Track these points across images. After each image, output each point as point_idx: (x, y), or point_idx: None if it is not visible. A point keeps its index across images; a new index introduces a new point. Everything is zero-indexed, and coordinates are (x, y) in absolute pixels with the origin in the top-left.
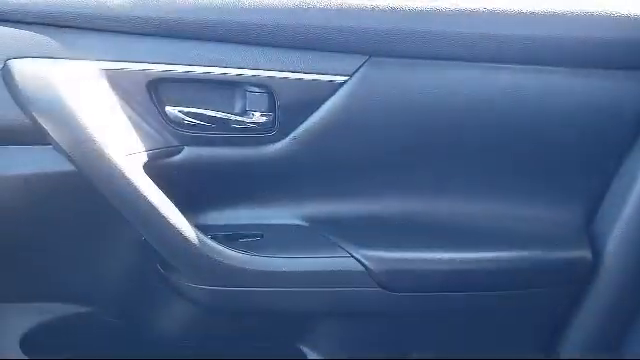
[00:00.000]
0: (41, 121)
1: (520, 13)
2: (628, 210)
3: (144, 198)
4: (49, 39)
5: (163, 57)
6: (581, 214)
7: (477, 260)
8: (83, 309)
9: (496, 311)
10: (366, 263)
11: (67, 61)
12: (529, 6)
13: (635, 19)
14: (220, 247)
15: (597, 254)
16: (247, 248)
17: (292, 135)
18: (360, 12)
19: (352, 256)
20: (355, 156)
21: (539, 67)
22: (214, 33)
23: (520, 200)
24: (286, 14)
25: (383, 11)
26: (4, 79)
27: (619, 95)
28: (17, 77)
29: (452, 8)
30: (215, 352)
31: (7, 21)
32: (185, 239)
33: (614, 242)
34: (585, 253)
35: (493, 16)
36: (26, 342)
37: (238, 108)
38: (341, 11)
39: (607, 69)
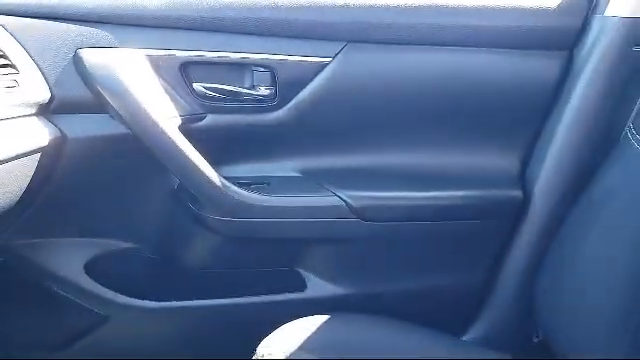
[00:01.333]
0: (103, 95)
1: (459, 6)
2: (550, 159)
3: (180, 151)
4: (107, 33)
5: (191, 45)
6: (515, 162)
7: (433, 197)
8: (128, 245)
9: (447, 237)
10: (346, 199)
11: (120, 49)
12: (466, 1)
13: (541, 9)
14: (236, 188)
15: (527, 194)
16: (256, 191)
17: (289, 105)
18: (338, 9)
19: (336, 195)
20: (338, 120)
21: (475, 48)
22: (228, 26)
23: (467, 152)
24: (283, 11)
25: (356, 7)
26: (75, 64)
27: (538, 68)
28: (85, 62)
29: (408, 3)
30: (229, 276)
31: (75, 20)
32: (210, 181)
33: (540, 184)
34: (517, 193)
35: (439, 8)
36: (88, 269)
37: (247, 84)
38: (324, 8)
39: (527, 49)
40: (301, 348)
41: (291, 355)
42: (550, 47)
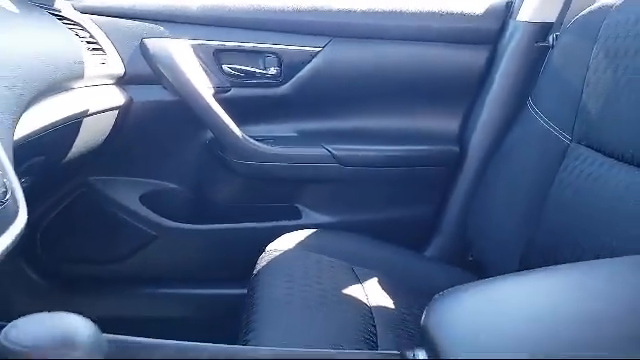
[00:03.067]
0: (160, 71)
1: (415, 10)
2: (479, 124)
3: (214, 112)
4: (162, 28)
5: (221, 38)
6: (454, 126)
7: (394, 150)
8: (171, 185)
9: (405, 179)
10: (331, 150)
11: (172, 39)
12: (420, 7)
13: (472, 14)
14: (252, 140)
15: (463, 149)
16: (266, 143)
17: (290, 82)
18: (326, 13)
19: (323, 147)
20: (325, 94)
21: (426, 42)
22: (247, 24)
23: (419, 119)
24: (286, 14)
25: (338, 11)
26: (141, 49)
27: (470, 57)
28: (148, 48)
29: (377, 9)
30: (246, 208)
31: (142, 18)
32: (234, 134)
33: (472, 142)
34: (455, 148)
35: (401, 12)
36: (143, 200)
37: (260, 66)
38: (315, 12)
39: (463, 43)
40: (297, 246)
41: (290, 250)
42: (479, 42)
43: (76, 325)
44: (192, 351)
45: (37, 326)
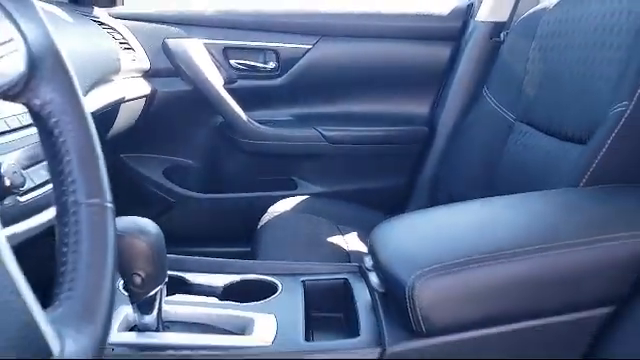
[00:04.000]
0: (179, 66)
1: (389, 13)
2: (445, 108)
3: (224, 99)
4: (180, 30)
5: (229, 37)
6: (424, 110)
7: (373, 129)
8: (188, 161)
9: (381, 155)
10: (321, 131)
11: (189, 39)
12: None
13: (439, 15)
14: (255, 122)
15: (431, 129)
16: (267, 125)
17: (286, 74)
18: (315, 16)
19: (314, 128)
20: (315, 84)
21: (400, 39)
22: (251, 26)
23: (394, 104)
24: (283, 17)
25: (326, 15)
26: (163, 48)
27: (438, 51)
28: (169, 47)
29: (358, 12)
30: (250, 180)
31: (163, 22)
32: (241, 118)
33: (439, 123)
34: (425, 128)
35: (378, 14)
36: (165, 173)
37: (261, 61)
38: (307, 15)
39: (431, 39)
40: (292, 209)
41: (286, 212)
42: (444, 38)
43: (147, 222)
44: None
45: (123, 221)
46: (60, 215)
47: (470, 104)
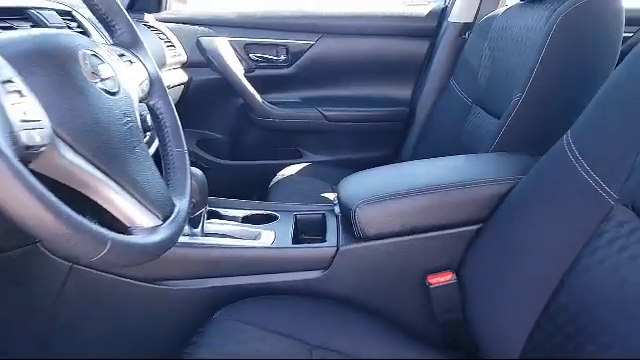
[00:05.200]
0: (209, 58)
1: (377, 14)
2: (422, 94)
3: (245, 86)
4: (210, 29)
5: (249, 36)
6: (406, 94)
7: (364, 110)
8: (216, 135)
9: (369, 131)
10: (321, 111)
11: (217, 37)
12: (376, 11)
13: (418, 16)
14: (269, 104)
15: (411, 111)
16: (278, 106)
17: (294, 65)
18: (318, 17)
19: (317, 109)
20: (318, 73)
21: (386, 36)
22: (266, 26)
23: (381, 89)
24: (292, 19)
25: (327, 16)
26: (197, 44)
27: (416, 46)
28: (202, 43)
29: (353, 14)
30: (265, 150)
31: (196, 24)
32: (257, 101)
33: (418, 106)
34: (406, 109)
35: (368, 16)
36: (198, 144)
37: (274, 54)
38: (311, 17)
39: (412, 37)
40: (297, 173)
41: (292, 176)
42: (423, 36)
43: (198, 170)
44: None
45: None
46: (164, 156)
47: (441, 90)
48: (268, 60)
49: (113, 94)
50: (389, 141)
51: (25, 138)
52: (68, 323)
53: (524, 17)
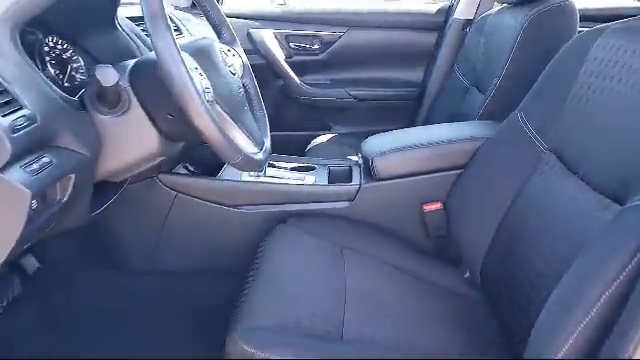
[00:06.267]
0: (257, 47)
1: (393, 11)
2: (431, 77)
3: (285, 69)
4: (258, 23)
5: (289, 28)
6: (418, 76)
7: (382, 90)
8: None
9: (384, 107)
10: (348, 90)
11: (263, 29)
12: (393, 7)
13: (428, 12)
14: (305, 84)
15: (421, 91)
16: (312, 87)
17: (326, 52)
18: (345, 14)
19: (344, 89)
20: (345, 59)
21: (400, 29)
22: (304, 20)
23: (397, 72)
24: (325, 14)
25: (352, 12)
26: (247, 35)
27: (427, 37)
28: (251, 34)
29: (375, 10)
30: (300, 123)
31: (245, 18)
32: (295, 81)
33: (427, 87)
34: (417, 89)
35: (386, 13)
36: None
37: (310, 43)
38: (339, 13)
39: (423, 29)
40: (327, 141)
41: (323, 143)
42: (433, 29)
43: None
44: None
45: None
46: (253, 114)
47: (446, 75)
48: (304, 48)
49: (234, 74)
50: (403, 116)
51: (205, 97)
52: (171, 238)
53: (507, 17)
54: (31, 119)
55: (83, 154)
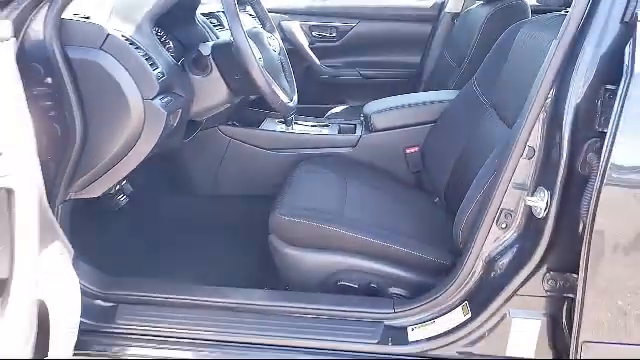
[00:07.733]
0: (287, 36)
1: (397, 6)
2: (427, 60)
3: (309, 53)
4: (287, 17)
5: (313, 20)
6: (416, 60)
7: (386, 71)
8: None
9: (390, 85)
10: (359, 71)
11: (290, 21)
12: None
13: (422, 7)
14: (324, 66)
15: (418, 71)
16: (330, 68)
17: (342, 40)
18: (357, 8)
19: (356, 70)
20: (357, 45)
21: (401, 22)
22: (324, 13)
23: (400, 56)
24: (339, 9)
25: (363, 7)
26: (278, 26)
27: (422, 29)
28: (282, 26)
29: (383, 4)
30: (320, 97)
31: (278, 13)
32: (317, 63)
33: (424, 67)
34: (415, 70)
35: (394, 7)
36: None
37: (329, 32)
38: (353, 7)
39: (418, 21)
40: (341, 111)
41: (337, 112)
42: (428, 21)
43: None
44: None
45: None
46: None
47: (438, 58)
48: (324, 37)
49: (275, 51)
50: (404, 91)
51: (259, 63)
52: (226, 171)
53: (480, 11)
54: (162, 73)
55: (185, 98)
